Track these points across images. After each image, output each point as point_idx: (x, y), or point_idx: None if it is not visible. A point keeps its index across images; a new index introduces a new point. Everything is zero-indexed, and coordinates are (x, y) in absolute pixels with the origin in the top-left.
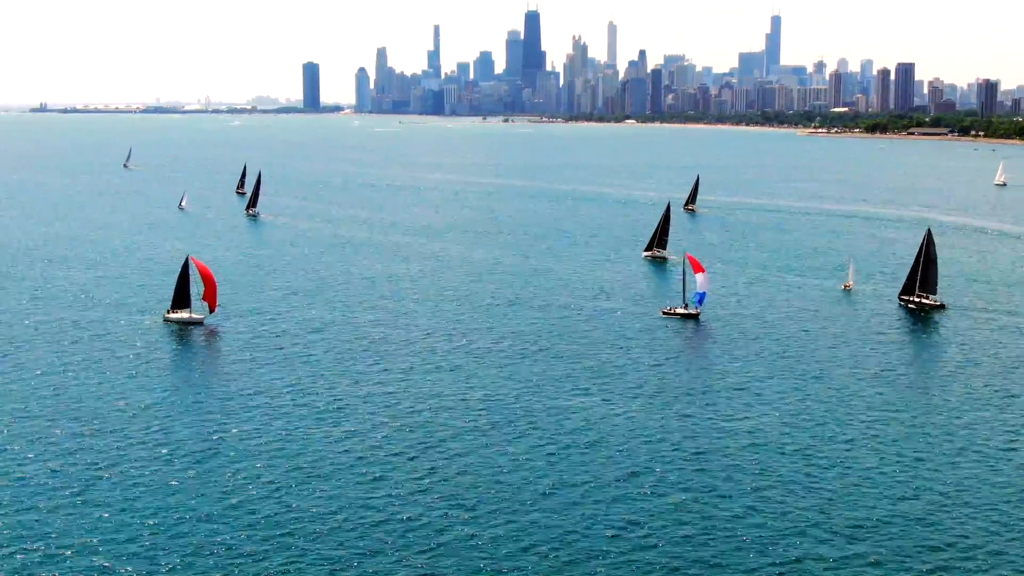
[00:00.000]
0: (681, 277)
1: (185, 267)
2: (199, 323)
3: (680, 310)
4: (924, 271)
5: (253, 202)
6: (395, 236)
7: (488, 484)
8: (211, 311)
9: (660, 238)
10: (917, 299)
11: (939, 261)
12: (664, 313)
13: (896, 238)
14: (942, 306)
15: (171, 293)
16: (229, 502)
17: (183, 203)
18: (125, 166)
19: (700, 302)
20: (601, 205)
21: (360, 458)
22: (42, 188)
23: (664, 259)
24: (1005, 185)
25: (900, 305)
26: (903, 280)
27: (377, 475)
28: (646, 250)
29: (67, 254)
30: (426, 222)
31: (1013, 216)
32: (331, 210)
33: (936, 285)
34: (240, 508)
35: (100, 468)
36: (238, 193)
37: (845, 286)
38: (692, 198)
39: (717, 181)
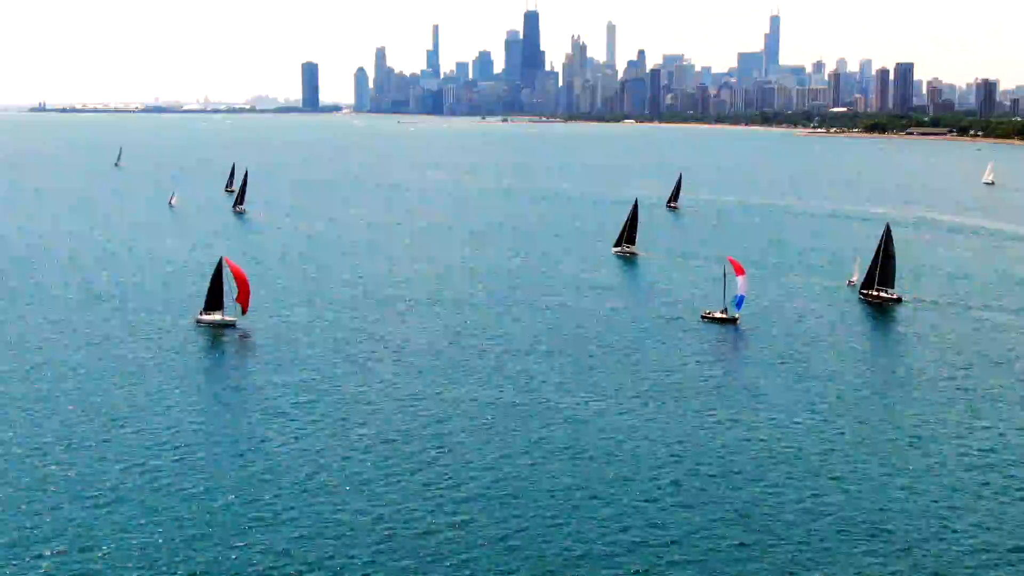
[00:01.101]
0: (722, 280)
1: (219, 268)
2: (231, 325)
3: (719, 314)
4: (883, 266)
5: (240, 199)
6: (402, 236)
7: (525, 488)
8: (243, 313)
9: (629, 234)
10: (876, 293)
11: (907, 256)
12: (704, 317)
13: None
14: (899, 299)
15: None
16: (261, 503)
17: (173, 201)
18: (116, 165)
19: (740, 306)
20: (611, 206)
21: (391, 460)
22: (33, 187)
23: (633, 255)
24: (993, 184)
25: (860, 299)
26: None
27: (408, 478)
28: (615, 246)
29: (67, 253)
30: (436, 222)
31: (995, 214)
32: (315, 208)
33: (894, 279)
34: (269, 510)
35: (129, 471)
36: (227, 191)
37: (850, 282)
38: (675, 196)
39: (715, 180)
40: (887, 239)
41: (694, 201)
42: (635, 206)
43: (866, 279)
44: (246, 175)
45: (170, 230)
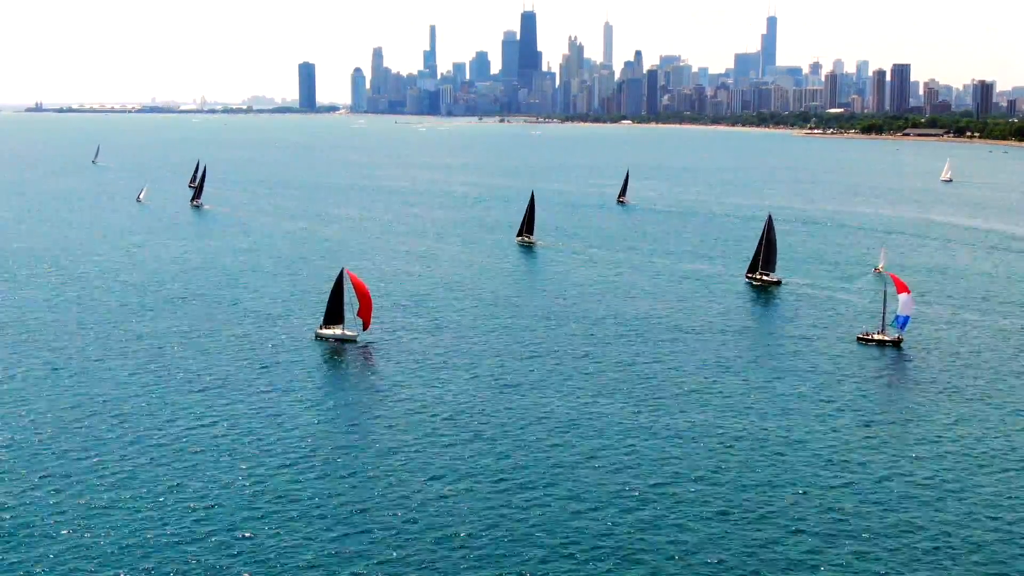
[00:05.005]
0: (882, 299)
1: (339, 281)
2: (352, 340)
3: (878, 336)
4: (766, 252)
5: (198, 194)
6: (418, 239)
7: (662, 514)
8: (364, 328)
9: (529, 224)
10: (759, 276)
11: (788, 244)
12: (860, 339)
13: (858, 234)
14: (779, 282)
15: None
16: (385, 521)
17: (141, 196)
18: (93, 163)
19: (903, 326)
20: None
21: (503, 478)
22: (21, 185)
23: (532, 244)
24: (951, 181)
25: (746, 282)
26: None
27: (530, 496)
28: (517, 235)
29: (67, 252)
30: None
31: (935, 208)
32: (276, 204)
33: (775, 264)
34: (392, 527)
35: (249, 485)
36: (190, 187)
37: (876, 270)
38: (623, 191)
39: (713, 181)
40: (769, 228)
41: (663, 199)
42: (531, 199)
43: (751, 264)
44: (204, 171)
45: (140, 225)
